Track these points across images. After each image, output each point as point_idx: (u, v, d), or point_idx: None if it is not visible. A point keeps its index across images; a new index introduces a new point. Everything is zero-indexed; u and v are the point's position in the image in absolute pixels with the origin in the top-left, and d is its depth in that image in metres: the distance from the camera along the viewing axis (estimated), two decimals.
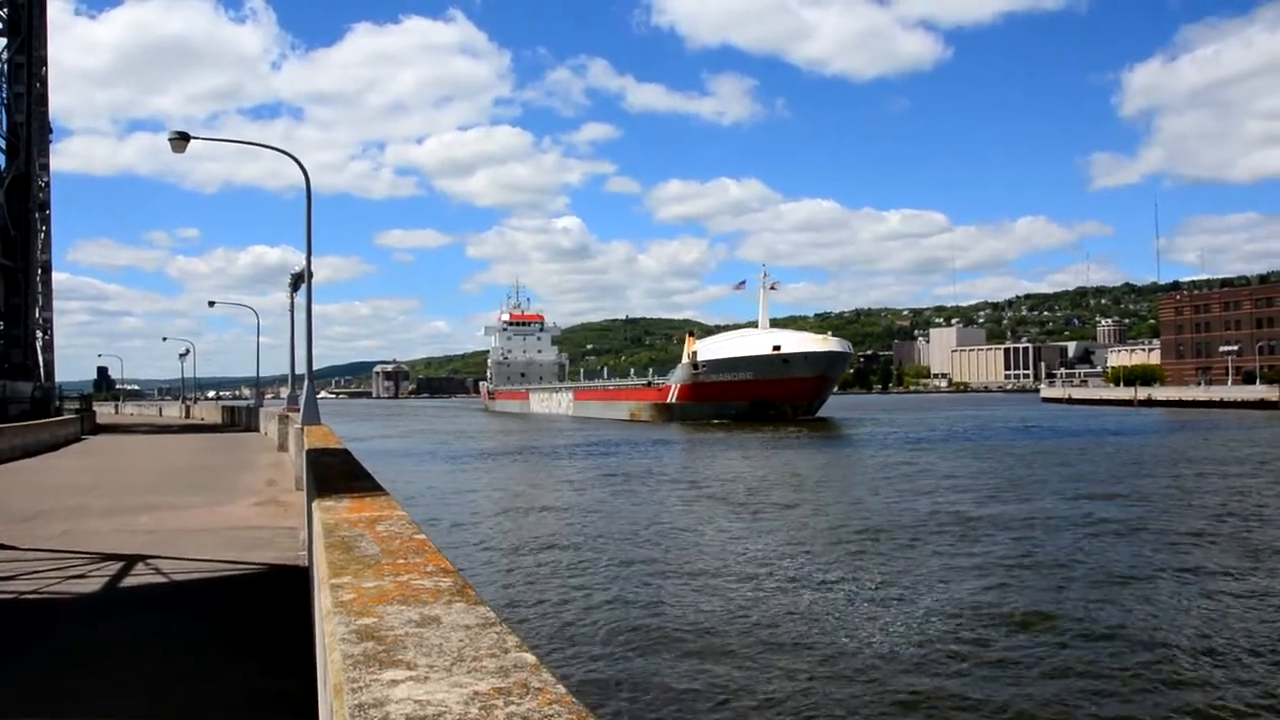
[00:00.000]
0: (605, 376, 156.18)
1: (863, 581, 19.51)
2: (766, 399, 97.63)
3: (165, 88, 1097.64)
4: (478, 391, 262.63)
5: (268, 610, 9.13)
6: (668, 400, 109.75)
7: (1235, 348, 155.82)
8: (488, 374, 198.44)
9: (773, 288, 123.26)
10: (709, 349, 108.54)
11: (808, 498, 33.67)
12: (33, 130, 49.36)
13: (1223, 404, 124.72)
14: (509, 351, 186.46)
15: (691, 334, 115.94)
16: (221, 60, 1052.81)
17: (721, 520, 28.68)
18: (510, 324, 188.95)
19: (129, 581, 10.42)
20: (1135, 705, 12.35)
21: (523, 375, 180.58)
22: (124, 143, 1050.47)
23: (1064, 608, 17.13)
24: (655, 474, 43.44)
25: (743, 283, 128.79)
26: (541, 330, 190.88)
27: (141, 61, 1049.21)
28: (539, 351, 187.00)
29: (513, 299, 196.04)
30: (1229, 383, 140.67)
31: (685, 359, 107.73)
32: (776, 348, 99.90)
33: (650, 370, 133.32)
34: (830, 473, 43.14)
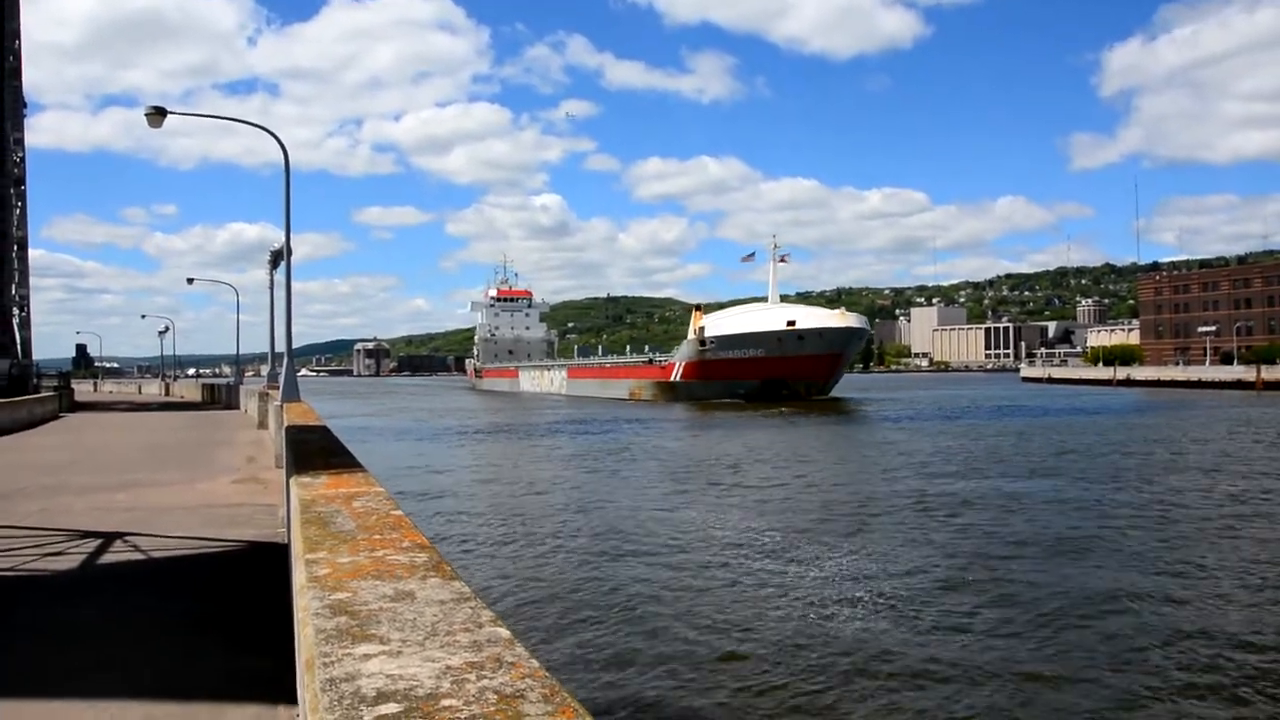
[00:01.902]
0: (600, 353, 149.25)
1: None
2: (779, 378, 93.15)
3: (138, 63, 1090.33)
4: (459, 370, 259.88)
5: (246, 588, 9.10)
6: (671, 379, 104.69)
7: (1213, 328, 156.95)
8: (474, 351, 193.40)
9: (783, 260, 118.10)
10: (717, 324, 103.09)
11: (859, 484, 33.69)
12: (5, 104, 48.69)
13: (1200, 384, 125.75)
14: (496, 328, 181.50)
15: (698, 309, 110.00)
16: (196, 35, 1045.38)
17: (746, 525, 28.68)
18: (498, 300, 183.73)
19: (107, 559, 10.35)
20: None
21: (510, 353, 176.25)
22: (97, 118, 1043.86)
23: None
24: (664, 456, 43.32)
25: (751, 254, 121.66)
26: (530, 306, 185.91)
27: (114, 36, 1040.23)
28: (527, 328, 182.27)
29: (500, 274, 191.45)
30: (1207, 363, 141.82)
31: (691, 334, 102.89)
32: (791, 323, 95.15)
33: (647, 347, 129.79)
34: (866, 453, 42.98)
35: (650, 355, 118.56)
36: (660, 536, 22.33)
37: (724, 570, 18.70)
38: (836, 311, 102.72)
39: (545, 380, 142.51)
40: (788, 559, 19.70)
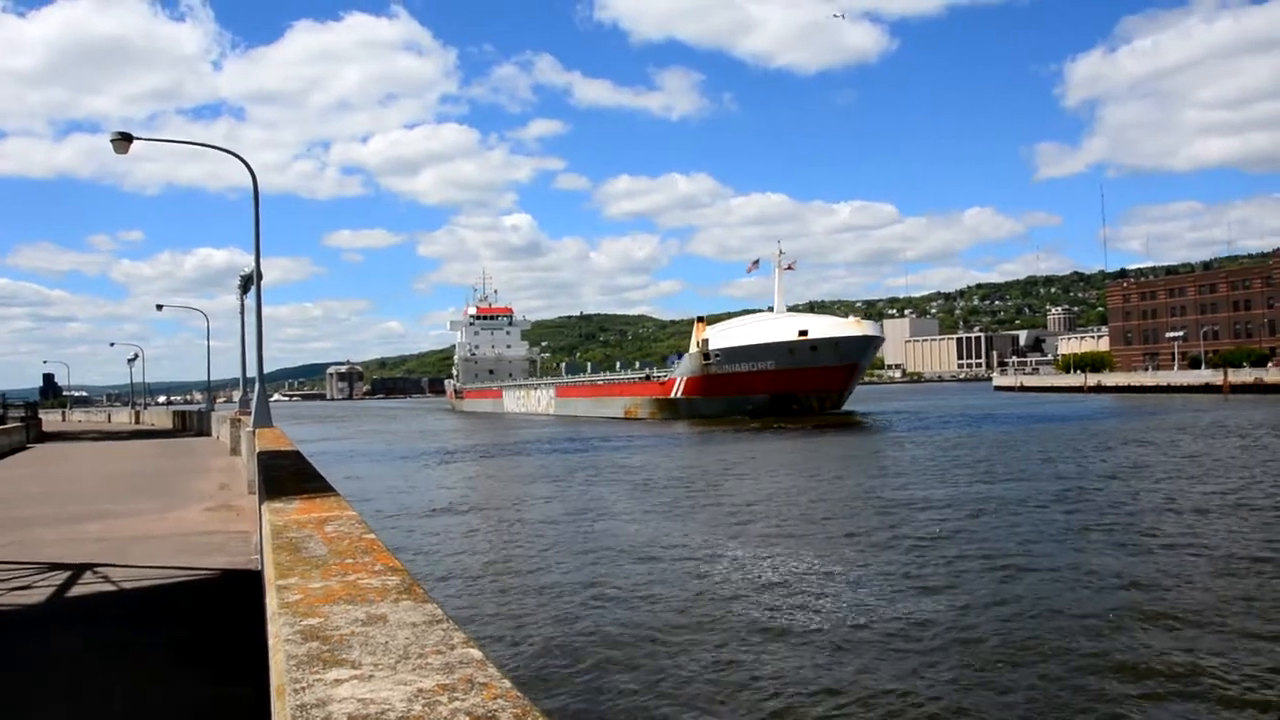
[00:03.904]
0: (589, 370, 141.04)
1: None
2: (790, 392, 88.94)
3: (102, 88, 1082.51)
4: (434, 391, 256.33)
5: (219, 616, 9.00)
6: (672, 395, 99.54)
7: (1181, 334, 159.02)
8: (454, 371, 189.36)
9: (789, 268, 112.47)
10: (722, 336, 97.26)
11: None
12: None
13: (1170, 389, 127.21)
14: (476, 347, 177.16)
15: (701, 320, 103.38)
16: (160, 60, 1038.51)
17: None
18: (478, 318, 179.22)
19: (77, 591, 10.20)
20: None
21: (491, 372, 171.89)
22: (60, 144, 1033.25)
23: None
24: (671, 475, 43.25)
25: (756, 262, 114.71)
26: (510, 324, 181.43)
27: (76, 61, 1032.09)
28: (509, 347, 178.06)
29: (479, 292, 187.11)
30: (1175, 368, 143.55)
31: (694, 348, 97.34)
32: (803, 333, 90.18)
33: (639, 364, 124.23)
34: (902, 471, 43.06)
35: (648, 370, 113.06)
36: (654, 565, 22.27)
37: (718, 604, 18.67)
38: (851, 319, 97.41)
39: (532, 400, 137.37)
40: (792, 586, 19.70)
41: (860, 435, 64.16)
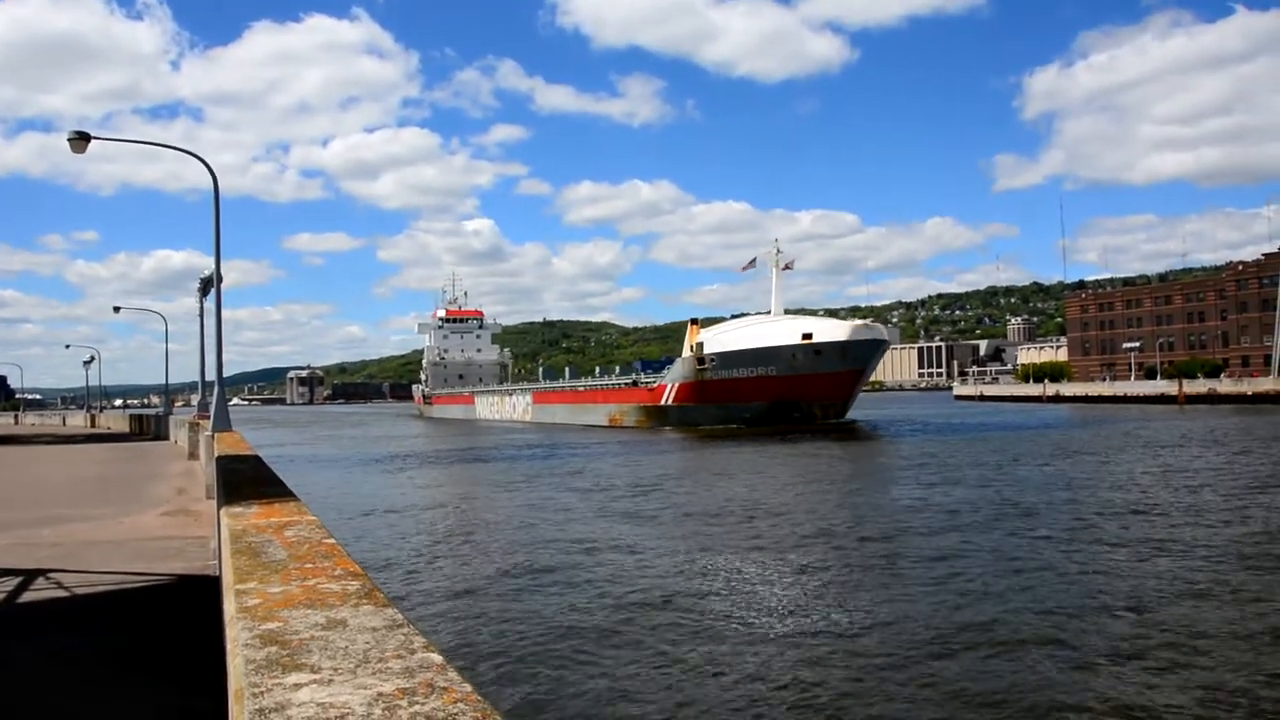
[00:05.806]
0: (568, 375, 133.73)
1: None
2: (791, 399, 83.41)
3: (56, 86, 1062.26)
4: (395, 397, 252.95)
5: (176, 622, 8.89)
6: (662, 402, 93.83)
7: (1137, 344, 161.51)
8: (422, 376, 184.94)
9: (787, 267, 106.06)
10: (718, 339, 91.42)
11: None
12: None
13: (1126, 399, 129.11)
14: (445, 351, 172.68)
15: (695, 322, 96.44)
16: (116, 58, 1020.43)
17: None
18: (447, 320, 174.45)
19: (27, 597, 10.03)
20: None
21: (460, 377, 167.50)
22: (12, 143, 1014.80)
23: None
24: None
25: (753, 261, 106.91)
26: (481, 327, 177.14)
27: (28, 58, 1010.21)
28: (478, 350, 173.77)
29: (448, 294, 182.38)
30: (1132, 378, 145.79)
31: (687, 351, 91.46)
32: (807, 336, 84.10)
33: (617, 369, 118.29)
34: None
35: (634, 375, 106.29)
36: (624, 576, 22.25)
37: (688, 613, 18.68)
38: (859, 322, 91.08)
39: (506, 406, 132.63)
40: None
41: (850, 443, 64.41)
